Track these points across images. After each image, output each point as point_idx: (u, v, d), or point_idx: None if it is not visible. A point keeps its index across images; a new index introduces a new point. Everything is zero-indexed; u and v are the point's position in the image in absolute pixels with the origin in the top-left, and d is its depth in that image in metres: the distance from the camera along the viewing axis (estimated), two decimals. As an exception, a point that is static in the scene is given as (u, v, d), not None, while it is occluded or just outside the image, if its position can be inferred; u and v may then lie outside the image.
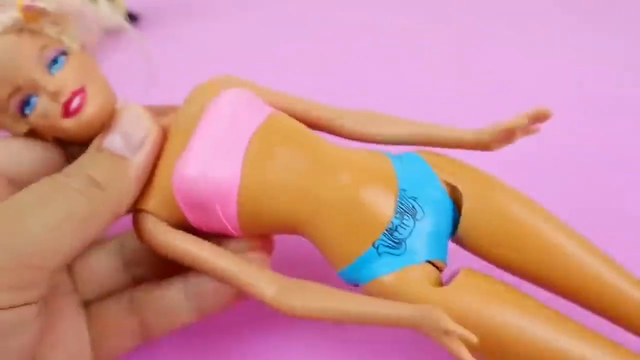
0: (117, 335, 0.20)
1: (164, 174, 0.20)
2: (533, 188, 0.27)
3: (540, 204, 0.21)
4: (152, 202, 0.20)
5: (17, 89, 0.19)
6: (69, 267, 0.21)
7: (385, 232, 0.19)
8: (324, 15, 0.56)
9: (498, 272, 0.20)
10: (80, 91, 0.20)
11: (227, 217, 0.20)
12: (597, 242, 0.21)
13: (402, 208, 0.19)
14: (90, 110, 0.20)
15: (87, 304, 0.21)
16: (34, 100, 0.19)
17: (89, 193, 0.17)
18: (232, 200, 0.19)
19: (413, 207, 0.20)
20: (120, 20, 0.22)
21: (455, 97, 0.42)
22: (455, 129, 0.21)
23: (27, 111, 0.20)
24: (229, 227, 0.20)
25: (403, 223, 0.19)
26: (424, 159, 0.21)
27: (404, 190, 0.20)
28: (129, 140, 0.19)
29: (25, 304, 0.15)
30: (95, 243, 0.22)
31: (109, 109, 0.20)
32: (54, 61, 0.20)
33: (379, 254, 0.19)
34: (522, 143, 0.35)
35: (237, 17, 0.56)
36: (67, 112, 0.19)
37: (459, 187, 0.20)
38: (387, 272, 0.19)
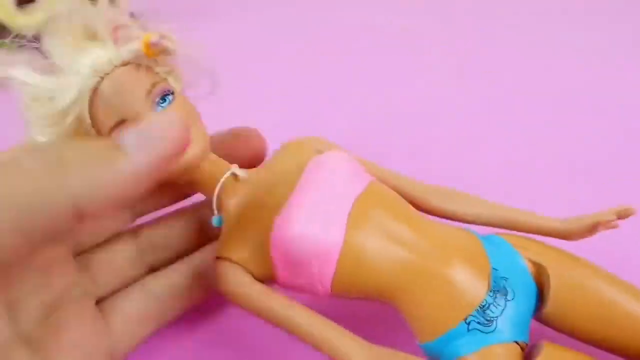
0: (137, 324, 0.21)
1: (258, 228, 0.20)
2: (538, 190, 0.27)
3: (621, 278, 0.21)
4: (241, 253, 0.20)
5: (122, 121, 0.19)
6: (85, 265, 0.21)
7: (479, 308, 0.19)
8: (324, 15, 0.56)
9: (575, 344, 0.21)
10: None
11: (321, 277, 0.20)
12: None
13: (494, 287, 0.19)
14: (193, 152, 0.20)
15: (103, 299, 0.21)
16: None
17: (45, 167, 0.14)
18: (332, 261, 0.19)
19: (504, 287, 0.20)
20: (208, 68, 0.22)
21: (455, 96, 0.42)
22: (539, 216, 0.22)
23: None
24: (320, 287, 0.20)
25: (495, 302, 0.19)
26: (507, 241, 0.22)
27: (495, 270, 0.20)
28: (142, 139, 0.16)
29: None
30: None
31: (205, 156, 0.21)
32: (162, 99, 0.20)
33: (469, 330, 0.19)
34: (524, 146, 0.35)
35: (237, 17, 0.56)
36: None
37: (545, 265, 0.21)
38: (473, 350, 0.18)
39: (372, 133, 0.38)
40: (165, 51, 0.20)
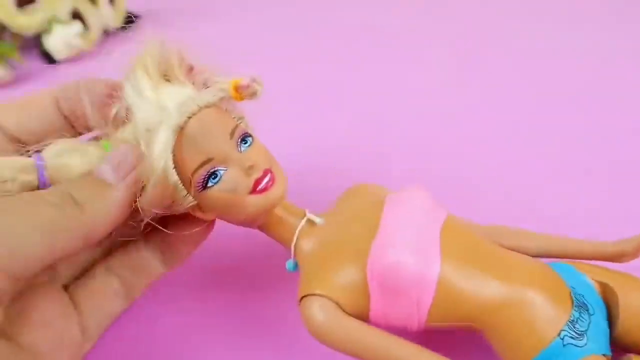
0: (103, 299, 0.22)
1: (343, 262, 0.21)
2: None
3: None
4: (329, 289, 0.20)
5: (208, 160, 0.20)
6: None
7: (569, 323, 0.20)
8: (324, 15, 0.56)
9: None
10: (270, 171, 0.20)
11: (419, 305, 0.20)
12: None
13: (577, 302, 0.20)
14: (277, 192, 0.21)
15: (69, 284, 0.22)
16: (221, 172, 0.20)
17: (63, 207, 0.17)
18: (431, 288, 0.20)
19: (585, 303, 0.21)
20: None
21: (456, 96, 0.42)
22: (591, 242, 0.23)
23: (210, 183, 0.20)
24: (416, 316, 0.20)
25: (581, 316, 0.20)
26: (571, 265, 0.23)
27: (573, 287, 0.21)
28: (117, 170, 0.19)
29: None
30: None
31: (283, 200, 0.21)
32: (244, 140, 0.21)
33: (564, 346, 0.19)
34: (525, 146, 0.35)
35: (237, 17, 0.56)
36: (256, 188, 0.20)
37: (611, 284, 0.22)
38: None
39: (372, 133, 0.38)
40: (253, 95, 0.21)
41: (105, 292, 0.22)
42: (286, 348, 0.24)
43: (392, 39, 0.52)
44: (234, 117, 0.21)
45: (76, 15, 0.50)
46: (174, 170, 0.20)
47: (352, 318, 0.20)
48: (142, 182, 0.19)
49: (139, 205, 0.20)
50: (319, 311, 0.20)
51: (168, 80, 0.21)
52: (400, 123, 0.39)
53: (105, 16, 0.50)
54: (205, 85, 0.21)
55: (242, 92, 0.21)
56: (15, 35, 0.48)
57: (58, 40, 0.48)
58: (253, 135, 0.21)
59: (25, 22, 0.47)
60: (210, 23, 0.55)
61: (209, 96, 0.20)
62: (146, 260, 0.23)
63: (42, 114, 0.21)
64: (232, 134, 0.20)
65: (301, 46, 0.51)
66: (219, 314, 0.26)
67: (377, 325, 0.21)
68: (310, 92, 0.43)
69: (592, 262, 0.23)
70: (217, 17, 0.57)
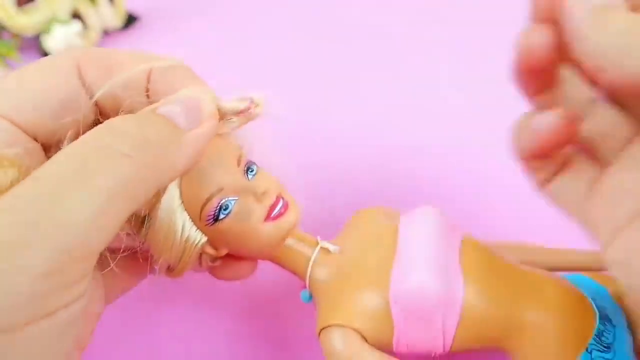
0: (124, 280, 0.20)
1: (363, 290, 0.20)
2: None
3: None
4: (350, 318, 0.20)
5: (218, 191, 0.19)
6: None
7: (595, 337, 0.20)
8: (324, 15, 0.56)
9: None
10: (281, 197, 0.20)
11: (445, 329, 0.19)
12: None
13: (600, 314, 0.20)
14: (291, 217, 0.20)
15: None
16: (232, 202, 0.19)
17: (139, 157, 0.15)
18: (456, 311, 0.19)
19: (607, 314, 0.21)
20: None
21: (456, 96, 0.42)
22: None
23: (222, 215, 0.19)
24: (441, 340, 0.20)
25: (606, 328, 0.20)
26: (589, 277, 0.23)
27: (594, 299, 0.21)
28: (189, 114, 0.17)
29: (74, 301, 0.14)
30: None
31: (299, 223, 0.21)
32: (250, 169, 0.20)
33: (592, 359, 0.19)
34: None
35: (238, 17, 0.56)
36: (270, 215, 0.19)
37: None
38: None
39: (372, 133, 0.38)
40: (252, 117, 0.20)
41: (124, 272, 0.20)
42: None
43: (393, 38, 0.52)
44: (237, 145, 0.20)
45: (76, 15, 0.50)
46: (182, 206, 0.19)
47: (375, 349, 0.19)
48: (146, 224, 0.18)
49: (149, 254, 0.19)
50: (339, 342, 0.19)
51: None
52: (400, 122, 0.39)
53: (105, 16, 0.50)
54: None
55: (246, 116, 0.20)
56: (15, 35, 0.48)
57: (58, 40, 0.47)
58: (256, 163, 0.20)
59: (25, 22, 0.46)
60: (210, 23, 0.55)
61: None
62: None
63: (62, 81, 0.18)
64: (238, 162, 0.20)
65: (302, 46, 0.51)
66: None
67: (400, 353, 0.20)
68: (310, 91, 0.43)
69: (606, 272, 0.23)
70: (217, 17, 0.56)
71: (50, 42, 0.48)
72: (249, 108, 0.19)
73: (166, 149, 0.15)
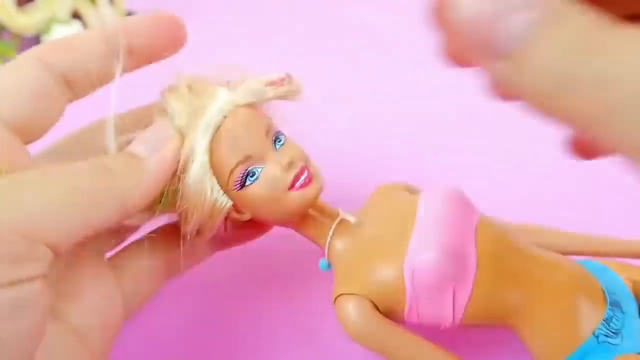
0: (148, 282, 0.22)
1: (379, 261, 0.21)
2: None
3: None
4: (365, 287, 0.20)
5: (247, 158, 0.20)
6: None
7: (603, 322, 0.20)
8: (324, 16, 0.56)
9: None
10: (306, 168, 0.21)
11: (456, 302, 0.20)
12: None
13: (611, 301, 0.20)
14: (315, 188, 0.21)
15: (111, 257, 0.22)
16: (259, 170, 0.20)
17: (96, 173, 0.17)
18: (468, 285, 0.20)
19: (617, 301, 0.21)
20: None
21: (456, 96, 0.42)
22: (623, 240, 0.23)
23: (249, 181, 0.20)
24: (451, 314, 0.20)
25: (615, 315, 0.20)
26: (602, 263, 0.23)
27: (606, 286, 0.21)
28: (148, 145, 0.19)
29: (26, 280, 0.15)
30: None
31: (320, 195, 0.21)
32: (278, 139, 0.21)
33: (599, 343, 0.19)
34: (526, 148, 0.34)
35: (238, 17, 0.56)
36: (294, 184, 0.20)
37: None
38: None
39: (373, 133, 0.38)
40: (289, 93, 0.21)
41: (149, 274, 0.22)
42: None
43: (392, 38, 0.52)
44: (266, 117, 0.21)
45: (76, 15, 0.50)
46: (210, 170, 0.20)
47: (386, 319, 0.20)
48: (178, 160, 0.19)
49: (178, 213, 0.20)
50: (353, 310, 0.20)
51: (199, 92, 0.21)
52: (400, 122, 0.39)
53: (105, 16, 0.50)
54: (239, 86, 0.21)
55: (276, 89, 0.21)
56: (15, 35, 0.48)
57: (58, 41, 0.48)
58: (285, 134, 0.21)
59: (25, 22, 0.46)
60: (210, 23, 0.55)
61: (243, 95, 0.20)
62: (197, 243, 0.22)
63: (92, 52, 0.20)
64: (267, 132, 0.20)
65: (302, 46, 0.51)
66: (251, 311, 0.26)
67: (411, 323, 0.21)
68: (310, 91, 0.43)
69: (623, 260, 0.23)
70: (217, 17, 0.57)
71: (50, 42, 0.48)
72: (282, 80, 0.21)
73: (124, 170, 0.18)
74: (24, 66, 0.19)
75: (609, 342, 0.19)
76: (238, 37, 0.52)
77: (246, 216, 0.22)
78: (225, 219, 0.22)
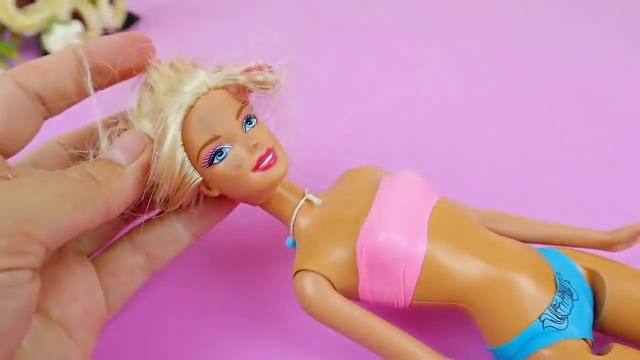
0: (128, 275, 0.23)
1: (337, 241, 0.22)
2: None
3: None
4: (322, 265, 0.22)
5: (215, 138, 0.21)
6: None
7: (550, 307, 0.20)
8: (325, 15, 0.56)
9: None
10: (272, 150, 0.21)
11: (406, 283, 0.21)
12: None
13: (561, 288, 0.21)
14: (278, 170, 0.22)
15: (93, 255, 0.23)
16: (226, 150, 0.21)
17: (86, 183, 0.19)
18: (417, 265, 0.21)
19: (569, 288, 0.21)
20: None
21: (455, 95, 0.42)
22: (585, 229, 0.24)
23: (216, 160, 0.21)
24: (402, 294, 0.21)
25: (564, 301, 0.20)
26: (560, 252, 0.23)
27: (558, 273, 0.22)
28: (126, 153, 0.21)
29: (19, 269, 0.16)
30: None
31: (285, 178, 0.22)
32: (248, 121, 0.22)
33: (544, 328, 0.20)
34: (523, 143, 0.35)
35: (238, 17, 0.56)
36: (259, 165, 0.21)
37: (598, 271, 0.22)
38: (548, 345, 0.20)
39: (372, 133, 0.38)
40: (265, 83, 0.22)
41: (130, 269, 0.23)
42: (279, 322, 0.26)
43: (393, 37, 0.52)
44: (240, 100, 0.22)
45: (76, 15, 0.50)
46: (182, 147, 0.21)
47: (339, 295, 0.21)
48: (153, 159, 0.21)
49: (152, 182, 0.21)
50: (309, 286, 0.21)
51: (180, 70, 0.22)
52: (400, 122, 0.39)
53: (105, 16, 0.51)
54: (217, 71, 0.22)
55: (251, 76, 0.22)
56: (15, 35, 0.48)
57: (58, 40, 0.48)
58: (257, 117, 0.22)
59: (25, 22, 0.47)
60: (210, 23, 0.55)
61: (218, 79, 0.21)
62: (175, 232, 0.24)
63: (63, 72, 0.21)
64: (238, 114, 0.21)
65: (302, 46, 0.51)
66: (219, 289, 0.27)
67: (366, 302, 0.22)
68: (310, 91, 0.43)
69: (584, 250, 0.24)
70: (217, 17, 0.57)
71: (51, 42, 0.48)
72: (259, 68, 0.22)
73: (108, 179, 0.20)
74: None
75: (555, 327, 0.20)
76: (238, 37, 0.52)
77: (215, 192, 0.22)
78: (198, 194, 0.23)
